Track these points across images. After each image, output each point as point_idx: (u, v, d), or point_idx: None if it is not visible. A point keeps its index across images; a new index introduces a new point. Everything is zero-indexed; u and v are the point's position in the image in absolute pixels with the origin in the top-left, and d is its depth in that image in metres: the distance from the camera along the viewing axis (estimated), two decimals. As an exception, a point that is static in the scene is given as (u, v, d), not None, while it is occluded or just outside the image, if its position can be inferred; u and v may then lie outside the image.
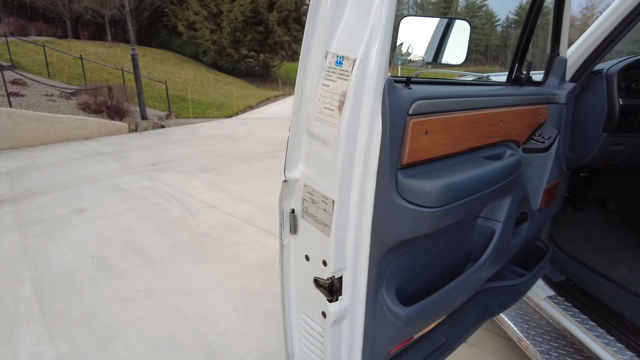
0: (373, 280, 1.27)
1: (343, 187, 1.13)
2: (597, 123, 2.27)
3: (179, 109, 19.49)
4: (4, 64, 17.06)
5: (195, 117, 18.60)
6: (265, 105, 24.94)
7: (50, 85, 15.73)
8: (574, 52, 2.21)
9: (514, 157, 1.70)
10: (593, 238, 2.82)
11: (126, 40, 15.10)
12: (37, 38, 23.76)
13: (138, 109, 15.98)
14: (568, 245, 2.64)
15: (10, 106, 12.15)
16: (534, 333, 2.35)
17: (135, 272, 4.23)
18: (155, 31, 37.29)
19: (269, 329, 3.24)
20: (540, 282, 2.50)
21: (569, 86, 2.15)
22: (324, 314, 1.30)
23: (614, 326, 2.10)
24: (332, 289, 1.25)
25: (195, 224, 5.52)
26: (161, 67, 27.43)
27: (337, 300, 1.27)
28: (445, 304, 1.50)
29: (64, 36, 29.92)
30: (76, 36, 32.15)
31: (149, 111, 17.07)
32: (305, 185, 1.25)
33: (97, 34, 34.31)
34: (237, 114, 20.21)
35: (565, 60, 2.13)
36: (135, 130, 14.48)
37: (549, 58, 2.14)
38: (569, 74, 2.20)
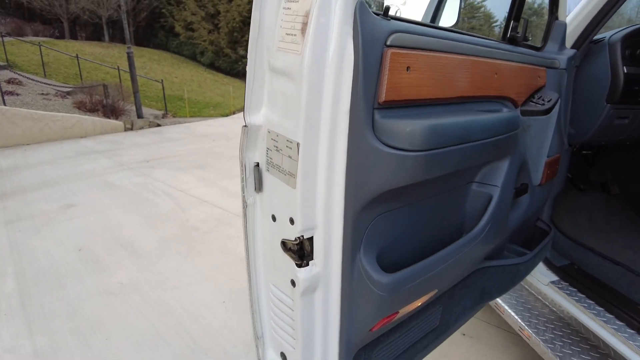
0: (349, 242, 1.09)
1: (309, 127, 0.96)
2: (600, 94, 2.13)
3: (176, 108, 19.32)
4: (0, 63, 16.91)
5: (191, 117, 18.43)
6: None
7: (45, 84, 15.57)
8: (574, 19, 2.08)
9: (511, 113, 1.54)
10: (596, 222, 2.68)
11: (124, 41, 14.89)
12: (34, 38, 23.54)
13: (134, 108, 15.79)
14: (570, 230, 2.50)
15: (4, 104, 11.98)
16: (536, 321, 2.20)
17: (121, 266, 4.08)
18: (153, 32, 37.11)
19: (256, 322, 3.09)
20: (542, 267, 2.36)
21: (569, 52, 2.01)
22: (293, 283, 1.14)
23: (623, 311, 1.96)
24: (301, 252, 1.10)
25: (185, 218, 5.38)
26: (158, 68, 27.25)
27: (307, 265, 1.12)
28: (435, 276, 1.32)
29: (61, 37, 29.70)
30: (73, 37, 31.93)
31: (145, 110, 16.89)
32: (269, 132, 1.09)
33: (95, 35, 34.12)
34: (233, 113, 20.02)
35: (564, 25, 1.98)
36: (131, 129, 14.32)
37: (547, 22, 1.98)
38: (568, 42, 2.07)
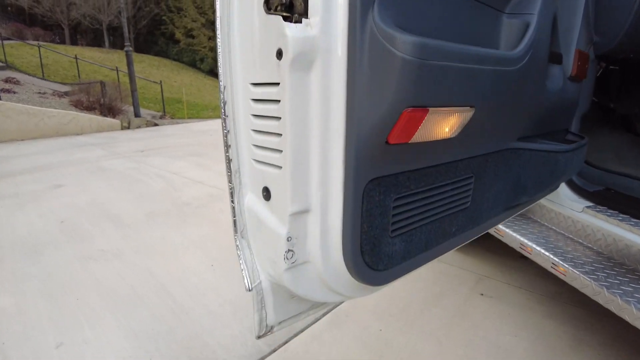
0: None
1: None
2: None
3: (174, 110, 19.06)
4: (-2, 63, 16.66)
5: (190, 118, 18.17)
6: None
7: (43, 84, 15.30)
8: None
9: None
10: (624, 158, 2.38)
11: (123, 47, 14.65)
12: (34, 42, 23.34)
13: (132, 108, 15.49)
14: (599, 162, 2.22)
15: (0, 99, 11.68)
16: (571, 256, 1.92)
17: (104, 235, 3.75)
18: (153, 39, 36.99)
19: (246, 283, 2.76)
20: (572, 195, 2.10)
21: None
22: (279, 53, 0.86)
23: None
24: (291, 5, 0.81)
25: (177, 195, 5.05)
26: (158, 73, 27.02)
27: (300, 22, 0.83)
28: (470, 87, 1.04)
29: (61, 43, 29.51)
30: (74, 43, 31.76)
31: (143, 112, 16.60)
32: None
33: (95, 42, 33.96)
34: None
35: None
36: (128, 128, 14.01)
37: None
38: None
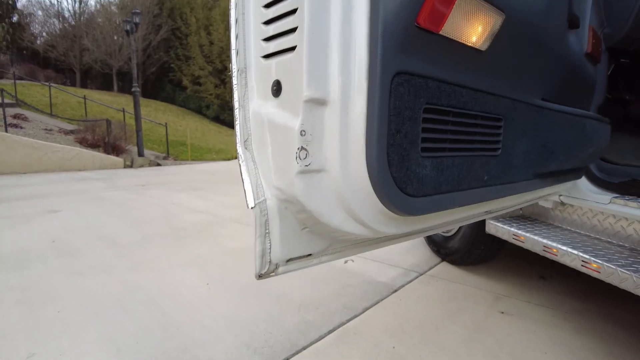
0: None
1: None
2: None
3: (178, 152, 19.04)
4: (8, 101, 16.77)
5: (193, 160, 18.12)
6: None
7: (51, 121, 15.36)
8: None
9: None
10: None
11: (131, 91, 14.88)
12: (45, 83, 23.74)
13: (135, 148, 15.47)
14: (620, 161, 2.08)
15: (6, 131, 11.65)
16: (602, 251, 1.71)
17: (96, 253, 3.51)
18: (161, 85, 37.69)
19: (245, 299, 2.51)
20: (595, 189, 1.97)
21: None
22: None
23: None
24: None
25: (175, 221, 4.82)
26: (163, 117, 27.28)
27: None
28: None
29: (72, 85, 30.04)
30: (84, 86, 32.33)
31: (147, 152, 16.57)
32: None
33: (104, 86, 34.58)
34: (235, 158, 19.78)
35: None
36: (131, 166, 13.93)
37: None
38: None
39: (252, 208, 0.93)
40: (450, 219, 1.21)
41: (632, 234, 1.82)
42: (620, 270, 1.54)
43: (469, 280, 2.67)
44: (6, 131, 11.85)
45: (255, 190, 0.94)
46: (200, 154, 19.76)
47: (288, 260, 1.00)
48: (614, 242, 1.90)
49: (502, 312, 2.24)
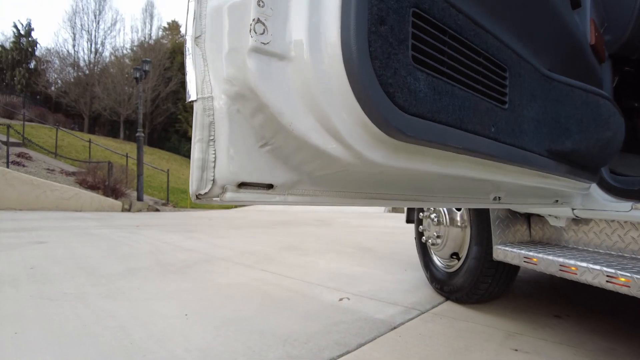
0: None
1: None
2: None
3: (178, 199, 18.86)
4: (15, 140, 16.85)
5: (192, 208, 17.90)
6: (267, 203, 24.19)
7: (54, 162, 15.32)
8: None
9: None
10: None
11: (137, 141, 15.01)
12: (53, 126, 24.02)
13: (135, 192, 15.31)
14: (632, 173, 1.92)
15: (7, 167, 11.56)
16: (630, 266, 1.53)
17: (73, 281, 3.24)
18: (167, 135, 38.10)
19: (224, 331, 2.23)
20: (612, 198, 1.76)
21: None
22: None
23: None
24: None
25: (163, 257, 4.55)
26: (167, 165, 27.26)
27: None
28: None
29: (80, 130, 30.36)
30: (91, 132, 32.67)
31: (147, 198, 16.40)
32: None
33: (111, 133, 34.94)
34: (235, 207, 19.52)
35: None
36: (129, 210, 13.71)
37: None
38: None
39: (192, 101, 0.73)
40: (453, 173, 1.00)
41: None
42: None
43: (477, 318, 2.38)
44: (7, 167, 11.75)
45: (201, 86, 0.73)
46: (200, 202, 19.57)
47: (240, 185, 0.77)
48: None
49: (516, 350, 1.94)
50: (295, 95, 0.71)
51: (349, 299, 2.81)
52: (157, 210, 14.74)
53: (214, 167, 0.74)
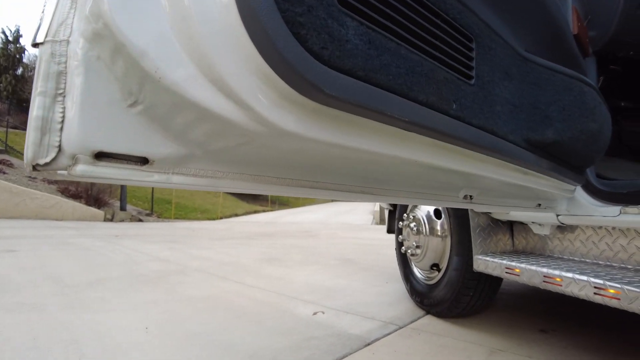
0: None
1: None
2: None
3: (162, 210, 18.57)
4: (-2, 148, 16.57)
5: (177, 218, 17.64)
6: (252, 214, 24.05)
7: (35, 170, 14.99)
8: None
9: None
10: None
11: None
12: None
13: (119, 202, 15.03)
14: (619, 177, 1.83)
15: (-14, 175, 11.28)
16: (619, 276, 1.40)
17: (35, 291, 3.05)
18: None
19: (186, 346, 2.05)
20: (600, 202, 1.63)
21: None
22: None
23: None
24: None
25: (136, 267, 4.35)
26: (154, 176, 26.99)
27: None
28: None
29: (66, 140, 29.86)
30: (78, 142, 32.14)
31: (131, 208, 16.11)
32: None
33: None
34: (221, 218, 19.29)
35: None
36: (111, 220, 13.45)
37: None
38: None
39: (37, 44, 0.56)
40: (405, 156, 0.81)
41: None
42: None
43: (458, 333, 2.23)
44: (-14, 176, 11.47)
45: (56, 28, 0.57)
46: (185, 213, 19.31)
47: (99, 156, 0.59)
48: (630, 267, 1.57)
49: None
50: (162, 29, 0.54)
51: (323, 312, 2.65)
52: (141, 220, 14.49)
53: (61, 129, 0.57)
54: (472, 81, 0.90)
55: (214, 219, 18.78)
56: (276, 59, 0.52)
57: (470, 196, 1.26)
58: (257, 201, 35.01)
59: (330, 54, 0.56)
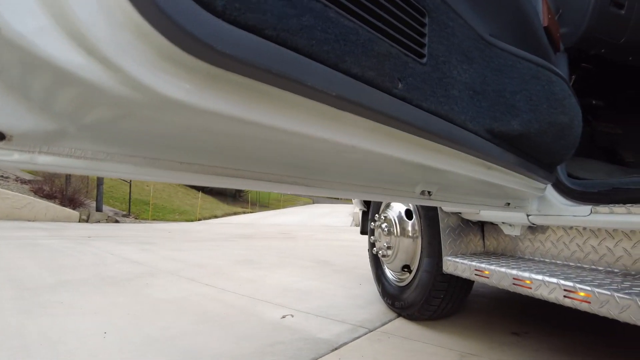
0: None
1: None
2: None
3: (140, 211, 18.23)
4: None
5: (154, 220, 17.33)
6: (232, 216, 23.78)
7: (10, 169, 14.55)
8: None
9: None
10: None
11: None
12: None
13: (95, 203, 14.67)
14: (591, 177, 1.79)
15: (-49, 175, 10.88)
16: (590, 278, 1.34)
17: (-12, 294, 2.88)
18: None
19: (143, 352, 1.94)
20: (570, 202, 1.57)
21: None
22: None
23: None
24: None
25: (104, 269, 4.19)
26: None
27: None
28: None
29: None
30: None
31: (107, 208, 15.74)
32: None
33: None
34: (199, 220, 19.01)
35: None
36: (87, 221, 13.11)
37: None
38: None
39: None
40: (341, 141, 0.70)
41: (622, 255, 1.43)
42: (617, 296, 1.12)
43: (429, 337, 2.17)
44: (-47, 175, 11.08)
45: None
46: (163, 214, 18.99)
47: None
48: (601, 268, 1.52)
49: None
50: None
51: (292, 316, 2.56)
52: (117, 221, 14.17)
53: None
54: (424, 60, 0.80)
55: (192, 220, 18.51)
56: (151, 8, 0.40)
57: (429, 192, 1.17)
58: (238, 202, 34.72)
59: (226, 4, 0.45)
